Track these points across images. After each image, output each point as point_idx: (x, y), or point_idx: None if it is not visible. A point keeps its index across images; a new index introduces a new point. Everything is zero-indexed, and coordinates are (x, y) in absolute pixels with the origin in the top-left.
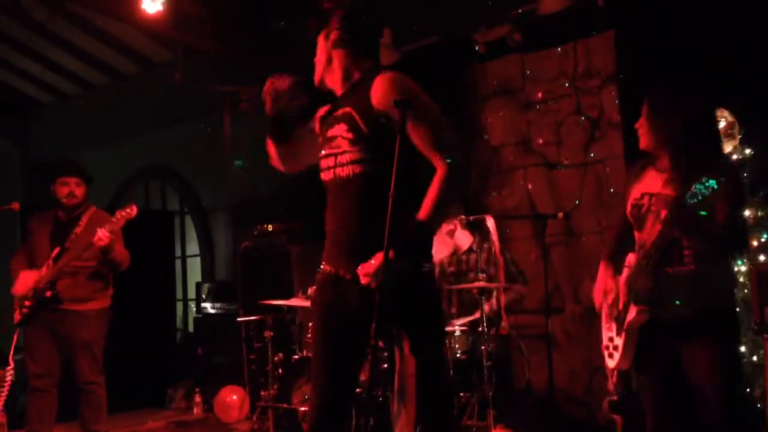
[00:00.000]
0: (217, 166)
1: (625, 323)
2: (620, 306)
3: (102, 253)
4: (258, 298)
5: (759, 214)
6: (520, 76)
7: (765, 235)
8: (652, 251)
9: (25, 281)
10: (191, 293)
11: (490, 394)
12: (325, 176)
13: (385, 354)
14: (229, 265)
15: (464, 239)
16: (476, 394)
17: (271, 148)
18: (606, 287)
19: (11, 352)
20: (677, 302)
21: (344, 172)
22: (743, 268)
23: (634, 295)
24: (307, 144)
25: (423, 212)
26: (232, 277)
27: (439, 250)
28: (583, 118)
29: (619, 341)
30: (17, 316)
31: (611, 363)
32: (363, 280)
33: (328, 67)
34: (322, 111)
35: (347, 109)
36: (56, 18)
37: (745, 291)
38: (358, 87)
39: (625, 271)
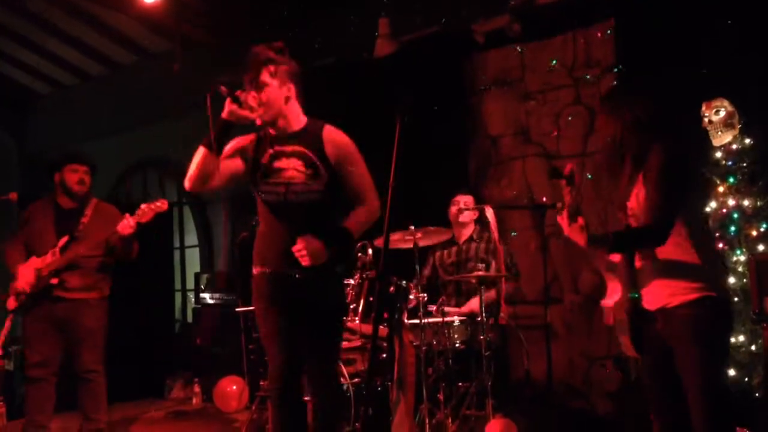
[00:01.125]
0: None
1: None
2: None
3: (121, 241)
4: None
5: (758, 203)
6: (519, 67)
7: (764, 225)
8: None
9: (27, 270)
10: (190, 284)
11: (489, 383)
12: (270, 198)
13: (384, 344)
14: (228, 256)
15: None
16: (475, 383)
17: (203, 159)
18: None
19: (1, 341)
20: (650, 297)
21: (298, 199)
22: (742, 258)
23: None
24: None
25: (350, 225)
26: (230, 267)
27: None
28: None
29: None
30: (12, 303)
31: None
32: (305, 260)
33: (285, 104)
34: (248, 140)
35: (301, 149)
36: (53, 8)
37: (744, 281)
38: (309, 130)
39: None
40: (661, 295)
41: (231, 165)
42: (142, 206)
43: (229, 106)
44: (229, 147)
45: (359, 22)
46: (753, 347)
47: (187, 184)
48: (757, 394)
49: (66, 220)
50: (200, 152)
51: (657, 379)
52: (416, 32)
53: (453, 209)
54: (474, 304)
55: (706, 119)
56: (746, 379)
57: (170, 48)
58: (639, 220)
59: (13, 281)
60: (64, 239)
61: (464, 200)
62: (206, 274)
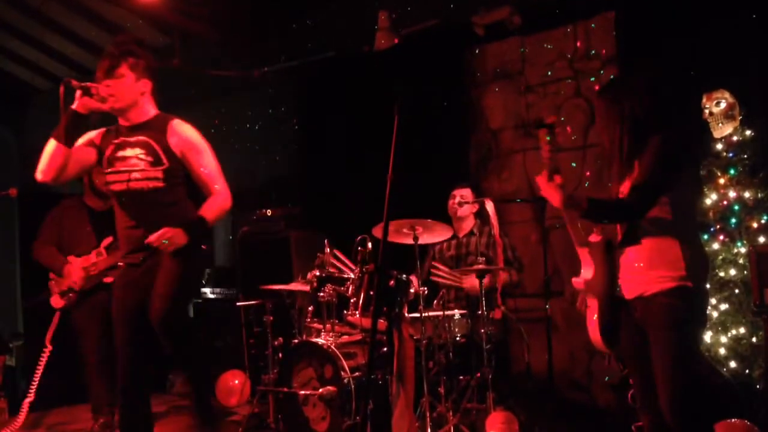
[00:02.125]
0: (215, 151)
1: None
2: None
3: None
4: (257, 283)
5: (759, 195)
6: (520, 59)
7: (765, 217)
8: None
9: (75, 269)
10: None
11: (490, 377)
12: (115, 187)
13: (384, 338)
14: (229, 251)
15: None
16: (476, 377)
17: (54, 150)
18: None
19: (49, 336)
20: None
21: (138, 185)
22: (743, 250)
23: None
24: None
25: (203, 213)
26: (231, 262)
27: (439, 233)
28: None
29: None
30: (59, 302)
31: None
32: (165, 247)
33: (139, 98)
34: (99, 133)
35: (144, 139)
36: (52, 3)
37: (745, 273)
38: (155, 122)
39: None
40: (640, 283)
41: (81, 156)
42: None
43: (80, 99)
44: (82, 140)
45: (359, 15)
46: (754, 339)
47: (39, 176)
48: (758, 386)
49: (100, 221)
50: (51, 144)
51: (637, 372)
52: (416, 25)
53: (451, 203)
54: (474, 280)
55: (706, 111)
56: (747, 371)
57: (169, 42)
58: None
59: (57, 279)
60: (108, 240)
61: (462, 193)
62: (207, 269)
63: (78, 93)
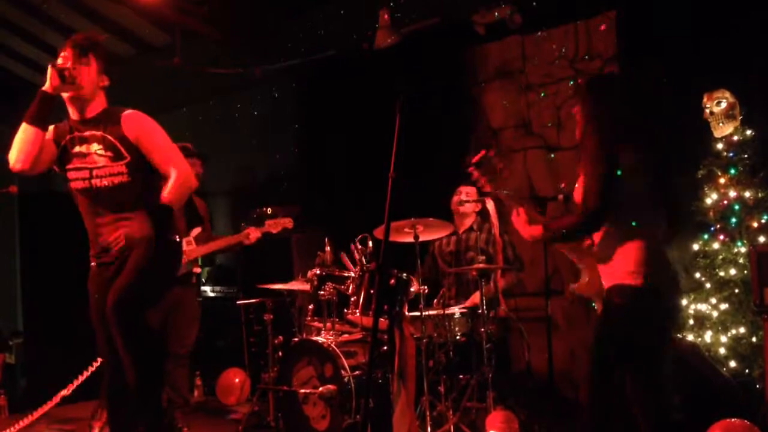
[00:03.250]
0: (216, 149)
1: None
2: None
3: (240, 246)
4: (258, 282)
5: (759, 195)
6: (520, 58)
7: (765, 217)
8: None
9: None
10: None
11: (490, 375)
12: (77, 185)
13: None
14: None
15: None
16: (476, 375)
17: (27, 135)
18: None
19: None
20: None
21: (102, 183)
22: (743, 250)
23: None
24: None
25: (166, 198)
26: (231, 261)
27: (439, 230)
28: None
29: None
30: None
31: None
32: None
33: (99, 91)
34: (52, 129)
35: (99, 133)
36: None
37: (745, 272)
38: (106, 114)
39: None
40: (603, 280)
41: (48, 149)
42: (268, 222)
43: (53, 80)
44: (48, 133)
45: (359, 13)
46: (754, 339)
47: (15, 165)
48: (758, 386)
49: (188, 209)
50: (24, 129)
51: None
52: (417, 23)
53: (455, 198)
54: (476, 298)
55: (707, 110)
56: (747, 370)
57: (170, 41)
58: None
59: None
60: (198, 230)
61: (467, 191)
62: (207, 268)
63: (53, 73)
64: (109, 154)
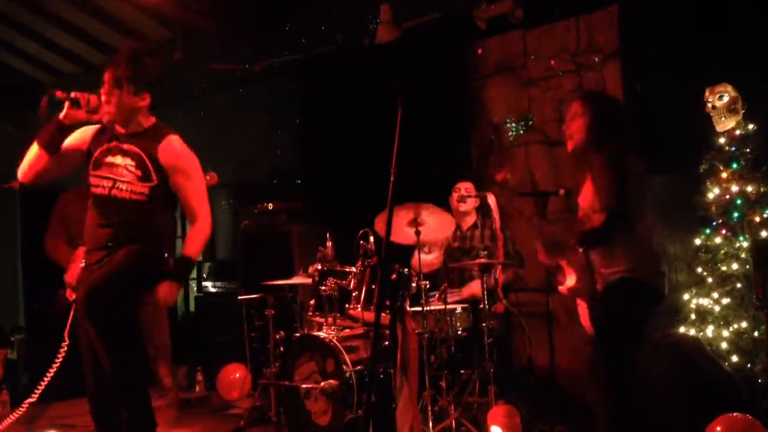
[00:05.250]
0: (217, 145)
1: None
2: None
3: None
4: (259, 277)
5: (761, 189)
6: (522, 53)
7: (767, 211)
8: None
9: (75, 270)
10: (192, 272)
11: (492, 370)
12: (96, 190)
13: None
14: (230, 244)
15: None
16: (478, 370)
17: (36, 156)
18: None
19: (67, 331)
20: None
21: (122, 195)
22: (745, 244)
23: None
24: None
25: (188, 251)
26: (232, 256)
27: (443, 229)
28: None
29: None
30: (72, 296)
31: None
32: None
33: (136, 109)
34: (92, 130)
35: (136, 150)
36: None
37: (747, 267)
38: (149, 134)
39: None
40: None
41: (72, 153)
42: None
43: (68, 110)
44: (76, 135)
45: (360, 8)
46: (755, 333)
47: (18, 175)
48: (759, 380)
49: None
50: (34, 149)
51: None
52: (417, 18)
53: (454, 196)
54: (474, 287)
55: (709, 105)
56: (749, 365)
57: (171, 36)
58: (588, 218)
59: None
60: None
61: (465, 187)
62: (208, 263)
63: (66, 104)
64: (138, 173)
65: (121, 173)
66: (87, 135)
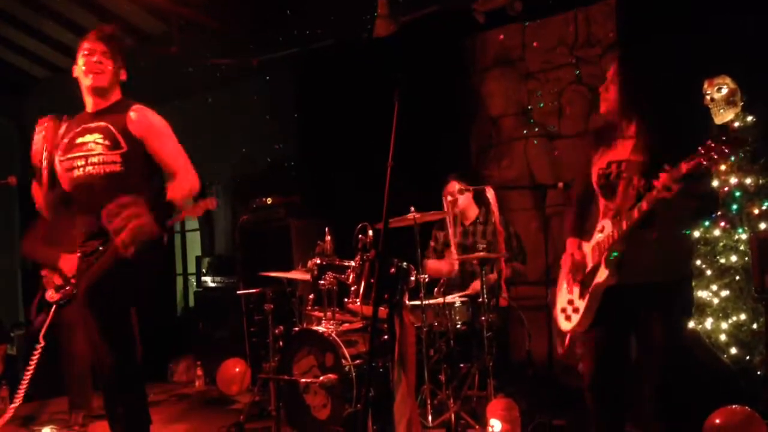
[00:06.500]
0: (215, 140)
1: (591, 286)
2: (587, 270)
3: None
4: (257, 272)
5: (760, 181)
6: (520, 46)
7: (766, 203)
8: (633, 216)
9: (71, 260)
10: (191, 268)
11: (491, 364)
12: (72, 174)
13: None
14: (229, 239)
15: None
16: (477, 364)
17: (37, 195)
18: (576, 258)
19: (43, 332)
20: (642, 270)
21: (96, 169)
22: (744, 236)
23: (606, 259)
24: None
25: (172, 195)
26: (231, 251)
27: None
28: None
29: (581, 303)
30: (56, 296)
31: (567, 325)
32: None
33: (116, 83)
34: (59, 123)
35: (104, 124)
36: None
37: (746, 259)
38: (115, 107)
39: (596, 236)
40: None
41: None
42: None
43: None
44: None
45: (358, 1)
46: (754, 325)
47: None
48: (759, 372)
49: None
50: (34, 188)
51: (612, 341)
52: (416, 11)
53: (446, 201)
54: (477, 286)
55: (708, 97)
56: (747, 357)
57: (168, 30)
58: (634, 169)
59: (50, 273)
60: None
61: (450, 190)
62: (207, 258)
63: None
64: (106, 143)
65: (90, 148)
66: (57, 139)
